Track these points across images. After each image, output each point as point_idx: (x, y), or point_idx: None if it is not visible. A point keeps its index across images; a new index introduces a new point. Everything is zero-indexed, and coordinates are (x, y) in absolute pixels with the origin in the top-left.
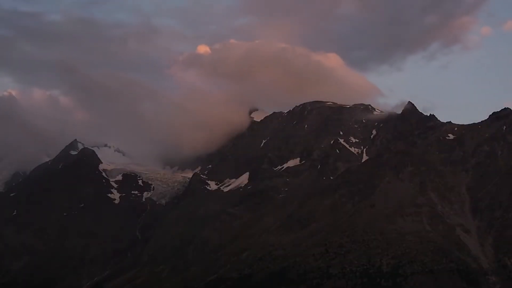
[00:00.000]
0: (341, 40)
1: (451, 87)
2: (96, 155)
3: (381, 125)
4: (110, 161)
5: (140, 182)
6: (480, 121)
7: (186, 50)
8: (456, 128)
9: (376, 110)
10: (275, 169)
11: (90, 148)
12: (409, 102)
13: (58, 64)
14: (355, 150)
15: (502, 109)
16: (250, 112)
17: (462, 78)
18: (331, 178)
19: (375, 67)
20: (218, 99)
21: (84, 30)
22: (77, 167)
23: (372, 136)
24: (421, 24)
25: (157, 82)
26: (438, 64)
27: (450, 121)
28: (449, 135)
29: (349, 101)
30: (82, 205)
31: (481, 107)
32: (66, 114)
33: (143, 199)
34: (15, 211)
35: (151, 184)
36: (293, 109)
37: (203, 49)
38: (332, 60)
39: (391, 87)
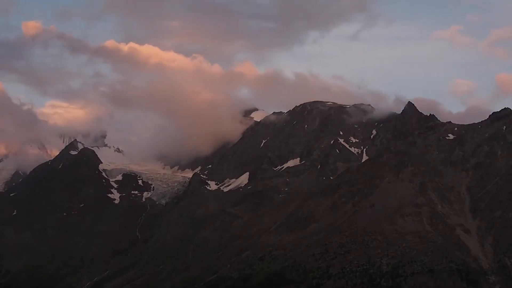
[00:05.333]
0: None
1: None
2: (96, 155)
3: (381, 125)
4: (110, 161)
5: (140, 182)
6: (480, 121)
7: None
8: (456, 128)
9: (376, 110)
10: (275, 169)
11: (90, 148)
12: (409, 102)
13: None
14: (355, 150)
15: (502, 109)
16: (250, 112)
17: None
18: (331, 178)
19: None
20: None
21: None
22: (77, 167)
23: (372, 136)
24: None
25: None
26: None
27: (450, 121)
28: (449, 135)
29: None
30: (82, 205)
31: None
32: None
33: (143, 199)
34: (15, 211)
35: (151, 184)
36: (293, 109)
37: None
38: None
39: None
